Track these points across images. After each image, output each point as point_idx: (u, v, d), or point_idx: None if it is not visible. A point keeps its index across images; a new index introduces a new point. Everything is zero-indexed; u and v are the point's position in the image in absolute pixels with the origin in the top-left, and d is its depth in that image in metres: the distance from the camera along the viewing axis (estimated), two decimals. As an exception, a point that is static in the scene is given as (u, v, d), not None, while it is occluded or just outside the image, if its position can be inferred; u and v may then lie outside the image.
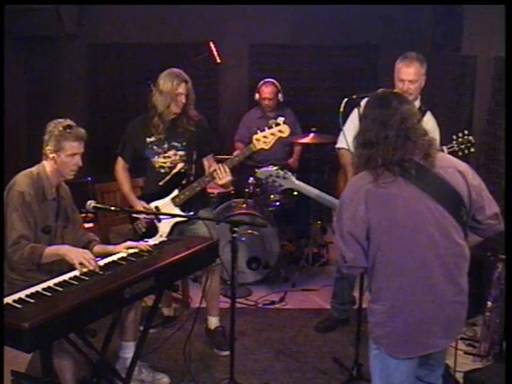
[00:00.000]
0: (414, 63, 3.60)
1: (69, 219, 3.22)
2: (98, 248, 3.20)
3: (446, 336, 2.42)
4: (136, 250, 3.12)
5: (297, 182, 2.96)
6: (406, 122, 2.33)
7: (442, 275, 2.33)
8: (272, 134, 3.60)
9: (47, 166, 3.07)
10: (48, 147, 3.03)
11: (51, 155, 3.03)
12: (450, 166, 2.40)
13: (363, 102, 3.25)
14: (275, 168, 3.20)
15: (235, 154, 5.21)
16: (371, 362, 2.52)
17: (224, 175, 3.65)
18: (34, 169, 3.07)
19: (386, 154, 2.30)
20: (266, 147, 3.62)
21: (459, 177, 2.37)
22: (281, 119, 3.62)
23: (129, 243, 3.19)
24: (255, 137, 3.62)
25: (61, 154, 3.02)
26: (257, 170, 3.33)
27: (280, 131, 3.60)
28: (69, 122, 3.06)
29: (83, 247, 3.12)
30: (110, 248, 3.17)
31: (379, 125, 2.33)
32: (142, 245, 3.18)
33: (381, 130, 2.32)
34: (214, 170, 3.67)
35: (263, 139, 3.60)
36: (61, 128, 3.01)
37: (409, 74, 3.60)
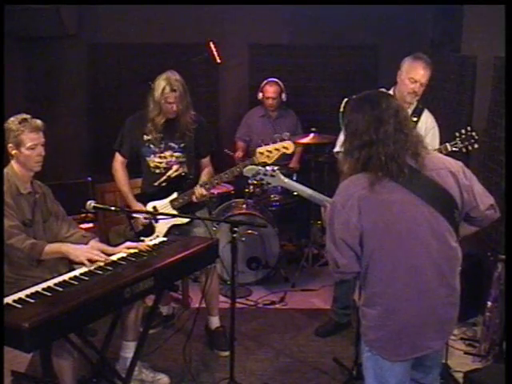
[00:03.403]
0: (428, 67, 3.58)
1: (50, 213, 3.21)
2: (94, 244, 3.19)
3: (438, 337, 2.41)
4: (136, 251, 3.12)
5: (286, 179, 2.91)
6: (399, 115, 2.33)
7: (435, 279, 2.32)
8: (276, 149, 3.58)
9: (14, 164, 3.08)
10: (9, 145, 3.04)
11: (13, 152, 3.04)
12: (443, 167, 2.38)
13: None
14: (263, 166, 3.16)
15: (237, 155, 5.30)
16: (364, 364, 2.50)
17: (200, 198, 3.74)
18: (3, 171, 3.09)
19: (388, 149, 2.28)
20: (269, 161, 3.61)
21: (451, 178, 2.35)
22: (286, 134, 3.61)
23: (128, 244, 3.19)
24: (259, 150, 3.59)
25: (21, 149, 3.02)
26: (244, 170, 3.29)
27: (284, 147, 3.58)
28: (24, 115, 3.06)
29: (77, 241, 3.15)
30: (110, 249, 3.16)
31: (376, 122, 2.30)
32: (142, 245, 3.18)
33: (379, 127, 2.30)
34: (216, 178, 3.73)
35: (267, 153, 3.59)
36: (16, 123, 3.02)
37: (423, 76, 3.56)
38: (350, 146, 2.38)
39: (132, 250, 3.11)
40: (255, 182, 5.01)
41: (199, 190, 3.70)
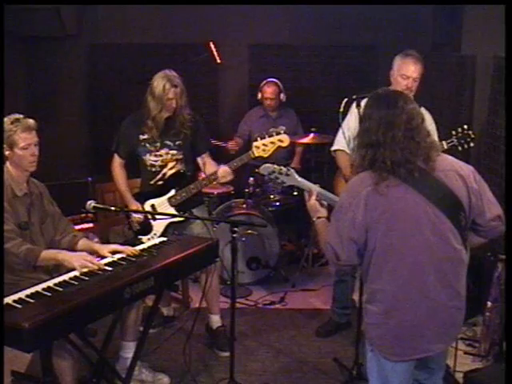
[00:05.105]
0: (418, 62, 3.61)
1: (47, 214, 3.20)
2: (82, 242, 3.19)
3: (440, 341, 2.39)
4: (123, 255, 3.06)
5: (299, 179, 2.93)
6: (412, 122, 2.31)
7: (437, 280, 2.31)
8: (272, 143, 3.64)
9: (8, 166, 3.05)
10: (4, 145, 3.00)
11: (7, 153, 3.00)
12: (451, 169, 2.37)
13: (363, 102, 3.24)
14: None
15: (230, 144, 5.30)
16: (368, 364, 2.51)
17: (226, 176, 3.70)
18: None
19: (395, 155, 2.27)
20: (265, 155, 3.65)
21: (459, 181, 2.34)
22: (282, 128, 3.65)
23: (114, 246, 3.14)
24: (255, 144, 3.65)
25: (15, 149, 2.98)
26: (260, 168, 3.31)
27: (280, 140, 3.64)
28: (16, 115, 3.01)
29: (68, 242, 3.16)
30: (95, 247, 3.14)
31: (386, 125, 2.29)
32: (129, 249, 3.11)
33: (388, 130, 2.29)
34: (213, 174, 3.71)
35: (262, 147, 3.64)
36: (9, 123, 2.97)
37: (414, 72, 3.59)
38: (360, 143, 2.39)
39: (118, 256, 3.05)
40: (255, 182, 5.02)
41: (223, 168, 3.69)
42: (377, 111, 2.35)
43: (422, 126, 2.36)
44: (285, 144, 3.67)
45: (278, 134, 3.64)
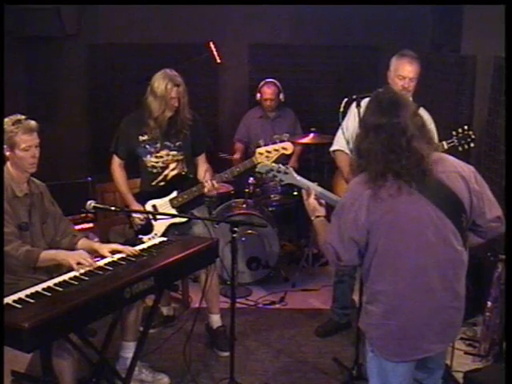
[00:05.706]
0: (414, 61, 3.61)
1: (48, 214, 3.19)
2: (82, 242, 3.20)
3: (440, 341, 2.40)
4: (123, 255, 3.06)
5: (298, 177, 2.92)
6: (401, 138, 2.27)
7: (438, 281, 2.31)
8: (275, 150, 3.65)
9: (9, 166, 3.05)
10: (4, 146, 3.00)
11: (7, 153, 2.99)
12: (453, 170, 2.36)
13: (363, 102, 3.24)
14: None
15: (235, 157, 5.29)
16: (368, 364, 2.51)
17: (211, 191, 3.77)
18: None
19: (386, 171, 2.26)
20: (268, 162, 3.64)
21: (461, 182, 2.34)
22: (286, 135, 3.66)
23: (114, 246, 3.14)
24: (258, 150, 3.65)
25: (15, 151, 2.98)
26: (258, 166, 3.31)
27: (284, 148, 3.65)
28: (18, 116, 3.00)
29: (69, 242, 3.17)
30: (95, 246, 3.15)
31: (373, 138, 2.29)
32: (129, 249, 3.11)
33: (374, 144, 2.28)
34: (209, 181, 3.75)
35: (266, 153, 3.64)
36: (10, 124, 2.96)
37: (410, 72, 3.60)
38: (354, 149, 2.40)
39: (117, 256, 3.05)
40: (255, 182, 5.02)
41: (210, 182, 3.73)
42: (368, 118, 2.36)
43: (421, 132, 2.32)
44: (288, 151, 3.68)
45: (282, 141, 3.65)
